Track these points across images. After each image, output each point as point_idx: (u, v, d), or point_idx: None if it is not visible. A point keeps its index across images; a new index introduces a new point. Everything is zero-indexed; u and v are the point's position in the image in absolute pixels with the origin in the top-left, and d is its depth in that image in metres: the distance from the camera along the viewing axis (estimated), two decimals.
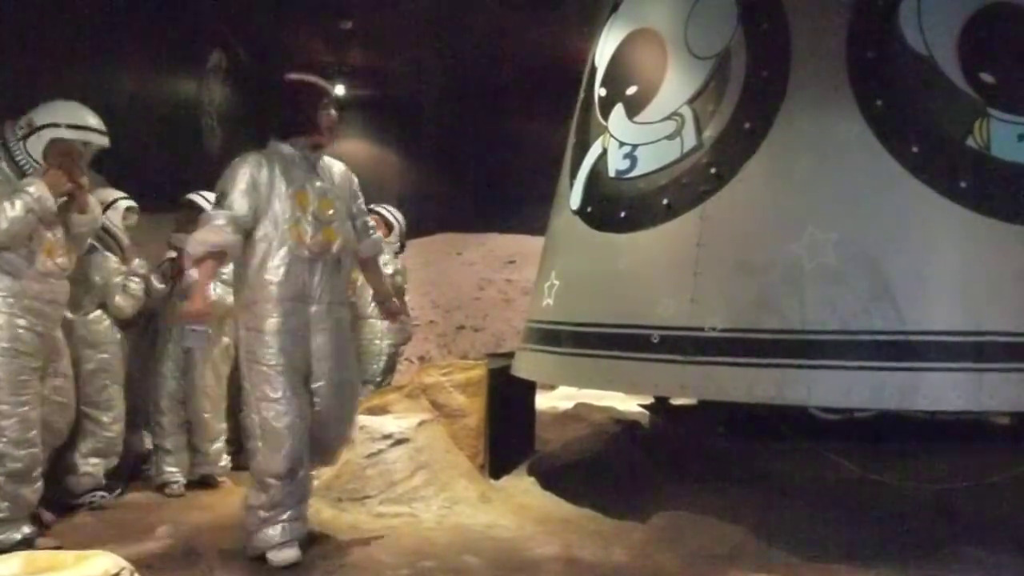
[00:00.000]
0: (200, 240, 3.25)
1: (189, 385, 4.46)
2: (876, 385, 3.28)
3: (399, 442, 4.12)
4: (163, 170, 6.09)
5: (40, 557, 2.34)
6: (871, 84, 3.57)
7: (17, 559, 2.30)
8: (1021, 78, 3.57)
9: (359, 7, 7.42)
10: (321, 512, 3.90)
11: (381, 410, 4.61)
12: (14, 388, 3.24)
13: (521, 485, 4.49)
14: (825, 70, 3.64)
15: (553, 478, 4.46)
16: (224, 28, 7.78)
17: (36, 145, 3.39)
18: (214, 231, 3.26)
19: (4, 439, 3.21)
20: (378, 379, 5.76)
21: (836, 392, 3.35)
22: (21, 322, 3.27)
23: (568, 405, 7.07)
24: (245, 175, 3.44)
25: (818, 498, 3.76)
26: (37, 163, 3.38)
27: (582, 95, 4.81)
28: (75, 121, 3.49)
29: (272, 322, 3.23)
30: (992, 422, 4.48)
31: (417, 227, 9.63)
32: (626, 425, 5.66)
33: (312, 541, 3.53)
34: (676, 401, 5.03)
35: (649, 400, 5.58)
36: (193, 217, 4.14)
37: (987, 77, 3.52)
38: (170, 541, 3.49)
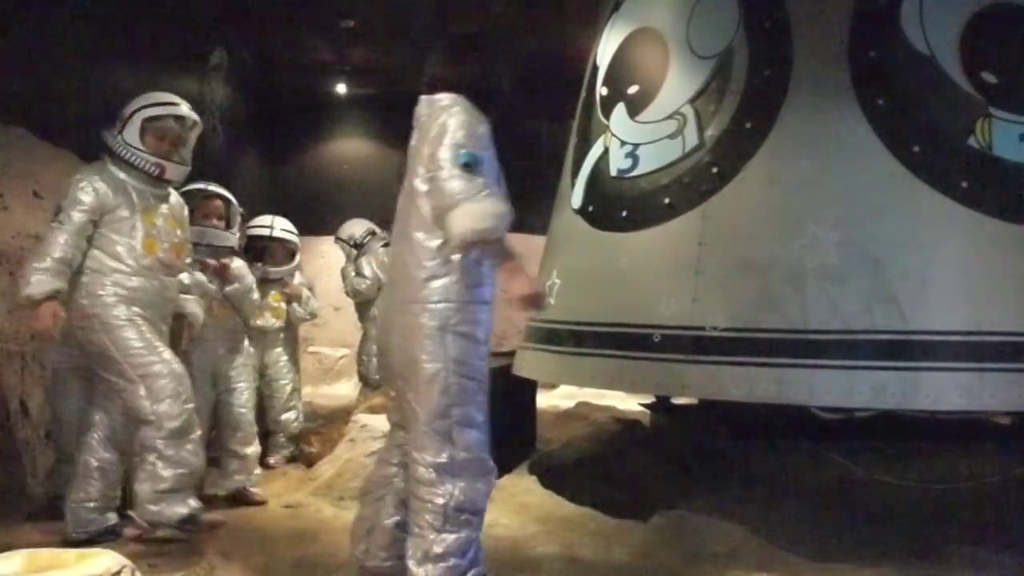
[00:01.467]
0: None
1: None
2: (877, 385, 3.28)
3: None
4: None
5: (42, 555, 2.35)
6: (873, 84, 3.57)
7: (19, 557, 2.31)
8: (1022, 78, 3.57)
9: (360, 6, 7.42)
10: (322, 510, 3.91)
11: (382, 408, 4.61)
12: (151, 347, 3.35)
13: (522, 484, 4.48)
14: (827, 70, 3.64)
15: (554, 477, 4.46)
16: (226, 27, 7.78)
17: (132, 133, 3.46)
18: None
19: (161, 399, 3.30)
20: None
21: (837, 392, 3.35)
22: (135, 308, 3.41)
23: (569, 404, 7.08)
24: None
25: (818, 498, 3.76)
26: (139, 149, 3.46)
27: (584, 94, 4.81)
28: (160, 99, 3.57)
29: None
30: (992, 422, 4.48)
31: None
32: (627, 424, 5.66)
33: (313, 540, 3.53)
34: (677, 400, 5.02)
35: (650, 399, 5.57)
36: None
37: (989, 77, 3.52)
38: (171, 539, 3.49)
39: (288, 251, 5.27)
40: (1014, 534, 3.41)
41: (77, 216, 3.33)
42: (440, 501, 2.43)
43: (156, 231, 3.49)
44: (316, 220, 9.55)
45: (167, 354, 3.41)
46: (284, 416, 5.21)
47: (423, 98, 2.72)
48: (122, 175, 3.46)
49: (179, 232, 3.65)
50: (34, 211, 4.34)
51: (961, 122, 3.49)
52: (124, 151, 3.46)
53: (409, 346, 2.51)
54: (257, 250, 5.20)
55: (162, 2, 6.23)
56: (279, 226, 5.29)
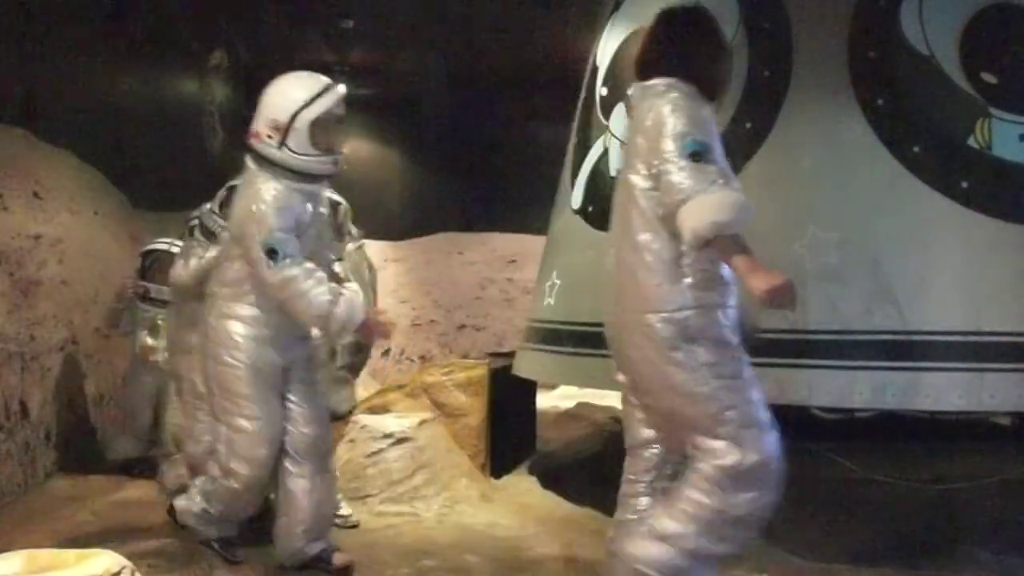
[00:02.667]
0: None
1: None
2: (877, 385, 3.28)
3: (400, 441, 4.13)
4: (164, 170, 6.10)
5: (41, 555, 2.35)
6: (873, 84, 3.57)
7: (19, 557, 2.30)
8: (1023, 78, 3.57)
9: (361, 6, 7.42)
10: None
11: (382, 409, 4.61)
12: None
13: (522, 484, 4.49)
14: (827, 70, 3.64)
15: (554, 477, 4.46)
16: (226, 27, 7.78)
17: (301, 138, 3.02)
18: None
19: None
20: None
21: (837, 392, 3.35)
22: None
23: (569, 404, 7.08)
24: None
25: (818, 498, 3.75)
26: (314, 154, 3.02)
27: (583, 95, 4.81)
28: (314, 91, 3.21)
29: None
30: (992, 422, 4.48)
31: (419, 226, 9.64)
32: None
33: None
34: None
35: None
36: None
37: (989, 77, 3.51)
38: (171, 539, 3.49)
39: None
40: (1014, 534, 3.41)
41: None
42: (713, 505, 2.24)
43: None
44: None
45: None
46: None
47: (635, 85, 2.45)
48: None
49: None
50: (34, 211, 4.34)
51: (961, 122, 3.49)
52: (297, 163, 3.02)
53: (651, 359, 2.32)
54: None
55: (162, 2, 6.23)
56: None
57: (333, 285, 2.92)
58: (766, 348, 3.43)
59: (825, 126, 3.60)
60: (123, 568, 2.25)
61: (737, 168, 3.67)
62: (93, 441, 4.84)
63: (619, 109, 4.28)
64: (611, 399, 6.80)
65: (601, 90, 4.51)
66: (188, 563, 3.17)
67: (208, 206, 3.92)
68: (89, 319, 4.79)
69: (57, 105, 4.67)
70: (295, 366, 3.11)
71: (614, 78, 4.46)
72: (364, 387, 8.00)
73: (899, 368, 3.27)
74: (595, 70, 4.67)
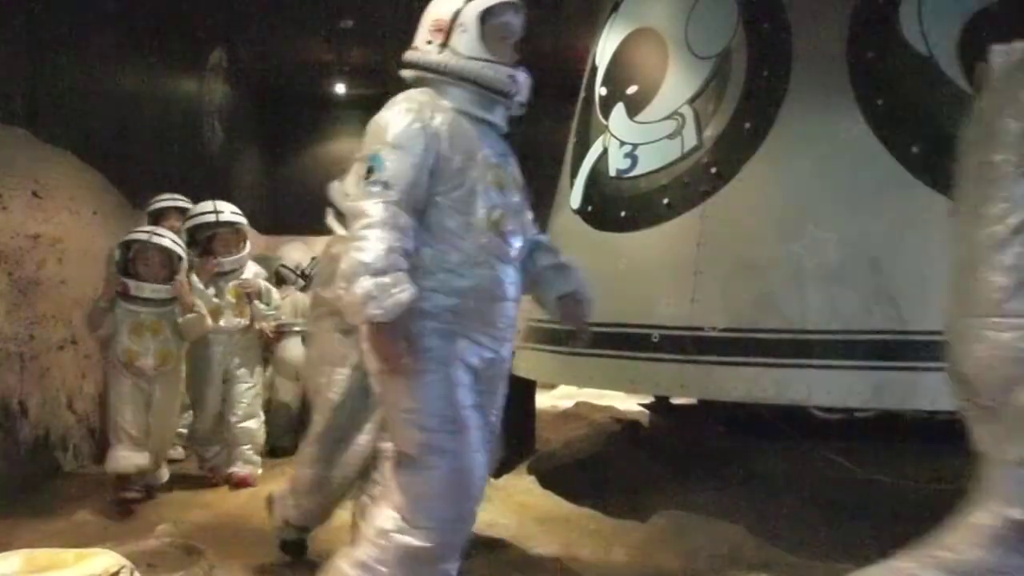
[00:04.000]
0: None
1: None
2: (876, 385, 3.28)
3: None
4: (164, 170, 6.10)
5: (40, 555, 2.35)
6: (872, 84, 3.57)
7: (18, 557, 2.30)
8: None
9: (360, 6, 7.42)
10: None
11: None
12: None
13: (521, 484, 4.48)
14: (826, 70, 3.64)
15: (553, 477, 4.46)
16: (225, 27, 7.78)
17: (470, 38, 2.37)
18: None
19: None
20: None
21: (836, 392, 3.35)
22: None
23: (568, 404, 7.08)
24: None
25: (818, 498, 3.75)
26: (487, 58, 2.37)
27: (583, 94, 4.81)
28: None
29: None
30: None
31: None
32: (626, 424, 5.66)
33: (313, 539, 3.53)
34: (676, 400, 5.03)
35: (649, 399, 5.57)
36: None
37: None
38: (170, 539, 3.49)
39: (239, 237, 4.65)
40: None
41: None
42: None
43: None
44: (315, 220, 9.56)
45: None
46: (246, 424, 4.59)
47: (995, 49, 2.13)
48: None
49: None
50: (33, 211, 4.34)
51: (960, 122, 3.49)
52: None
53: (997, 366, 2.08)
54: (202, 242, 4.54)
55: (162, 2, 6.23)
56: (227, 209, 4.60)
57: (402, 267, 2.11)
58: (765, 348, 3.44)
59: (824, 126, 3.60)
60: (122, 568, 2.25)
61: (736, 168, 3.71)
62: (93, 441, 4.84)
63: (619, 108, 4.29)
64: (610, 399, 6.81)
65: (600, 90, 4.51)
66: (187, 563, 3.17)
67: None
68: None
69: (57, 105, 4.68)
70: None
71: (613, 78, 4.46)
72: None
73: (898, 368, 3.27)
74: (594, 70, 4.67)
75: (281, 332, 5.01)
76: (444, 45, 2.40)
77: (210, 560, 3.19)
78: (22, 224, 4.23)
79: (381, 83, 9.23)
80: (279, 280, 5.80)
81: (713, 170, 3.75)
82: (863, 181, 3.50)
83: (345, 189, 3.18)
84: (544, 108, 9.36)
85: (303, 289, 5.71)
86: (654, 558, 3.32)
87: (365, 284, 2.04)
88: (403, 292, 2.07)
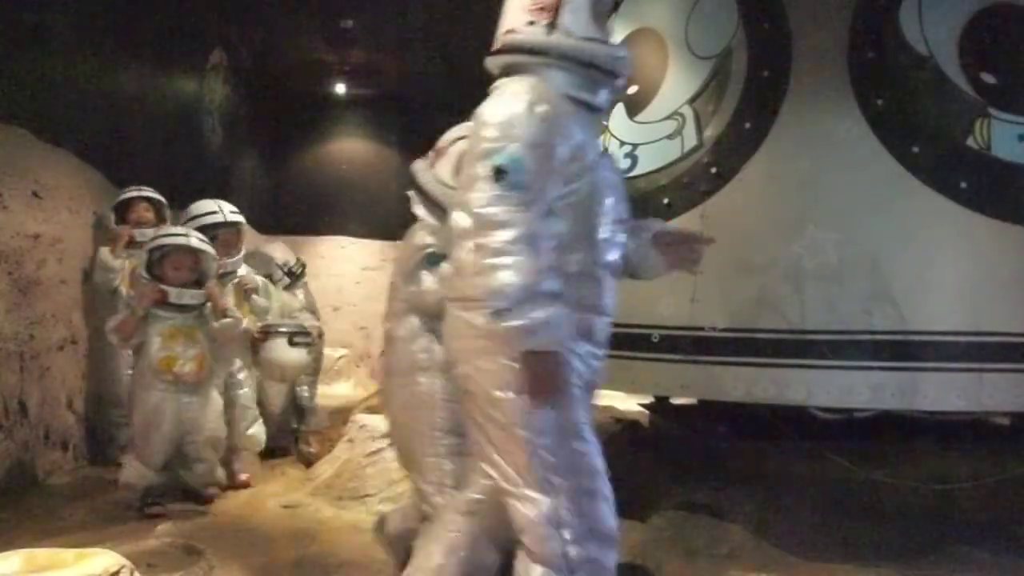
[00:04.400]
0: None
1: None
2: (876, 385, 3.28)
3: None
4: (163, 169, 6.10)
5: (40, 555, 2.34)
6: (872, 84, 3.56)
7: (18, 557, 2.30)
8: (1022, 78, 3.57)
9: (360, 6, 7.42)
10: (321, 511, 3.91)
11: (381, 409, 4.61)
12: None
13: None
14: (826, 70, 3.63)
15: None
16: (225, 26, 7.78)
17: (580, 16, 2.16)
18: None
19: None
20: None
21: (836, 392, 3.35)
22: None
23: None
24: None
25: (818, 498, 3.75)
26: (601, 38, 2.20)
27: None
28: None
29: None
30: (992, 423, 4.47)
31: None
32: (626, 424, 5.65)
33: (312, 540, 3.53)
34: (676, 400, 5.01)
35: (649, 399, 5.56)
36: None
37: (988, 77, 3.51)
38: (170, 539, 3.49)
39: (239, 237, 4.67)
40: (1013, 535, 3.41)
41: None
42: None
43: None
44: (315, 220, 9.57)
45: None
46: (254, 430, 4.62)
47: None
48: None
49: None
50: (33, 211, 4.34)
51: (960, 122, 3.49)
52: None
53: None
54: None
55: (161, 1, 6.22)
56: (226, 208, 4.61)
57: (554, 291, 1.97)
58: (765, 348, 3.44)
59: (824, 126, 3.60)
60: (122, 568, 2.25)
61: (736, 168, 3.70)
62: (92, 441, 4.84)
63: (618, 108, 4.28)
64: (610, 399, 6.80)
65: None
66: (186, 563, 3.17)
67: None
68: (88, 318, 4.78)
69: (57, 104, 4.68)
70: None
71: None
72: (363, 387, 8.02)
73: (898, 368, 3.27)
74: None
75: (267, 332, 4.96)
76: (552, 25, 2.14)
77: (210, 560, 3.19)
78: (22, 224, 4.22)
79: (381, 83, 9.25)
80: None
81: (713, 170, 3.75)
82: (863, 181, 3.50)
83: (438, 176, 2.92)
84: None
85: (288, 288, 5.71)
86: (653, 558, 3.32)
87: (528, 310, 1.88)
88: (560, 316, 1.93)
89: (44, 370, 4.37)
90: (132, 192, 4.95)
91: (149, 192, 4.98)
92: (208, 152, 7.56)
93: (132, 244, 4.65)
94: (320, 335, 5.72)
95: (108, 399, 4.76)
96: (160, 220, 4.89)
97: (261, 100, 9.07)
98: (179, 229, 4.14)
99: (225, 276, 4.52)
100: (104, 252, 4.72)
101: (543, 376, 1.96)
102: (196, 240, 3.98)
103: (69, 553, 2.35)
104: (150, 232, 4.50)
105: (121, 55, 5.57)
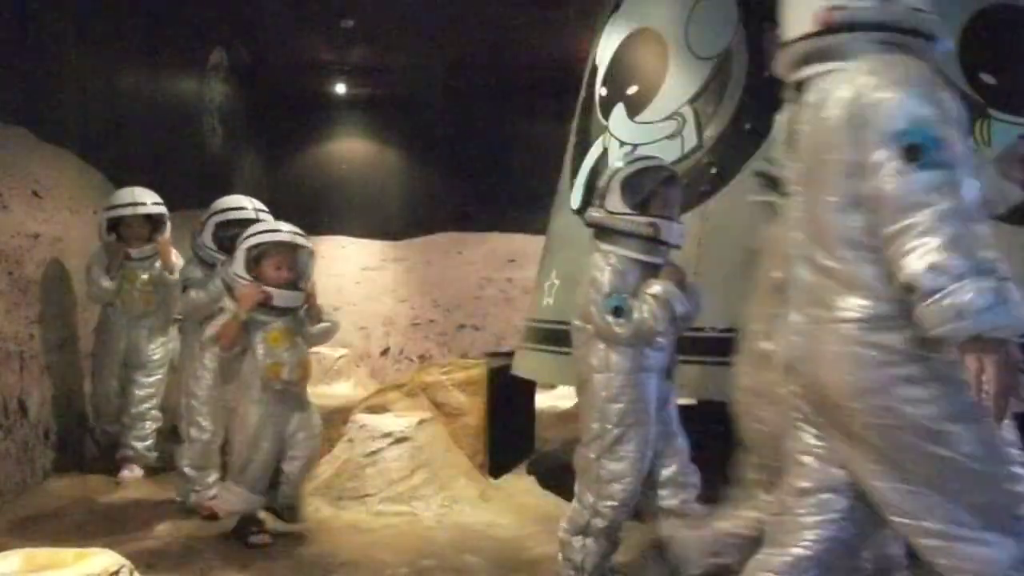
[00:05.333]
0: None
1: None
2: None
3: (399, 440, 4.13)
4: (164, 169, 6.10)
5: (40, 554, 2.34)
6: None
7: (17, 556, 2.30)
8: (1022, 79, 3.57)
9: (361, 5, 7.42)
10: (320, 510, 3.91)
11: (381, 408, 4.61)
12: None
13: (521, 484, 4.49)
14: None
15: (553, 477, 4.45)
16: (225, 26, 7.78)
17: None
18: None
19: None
20: None
21: None
22: None
23: (568, 404, 7.07)
24: None
25: None
26: None
27: (583, 95, 4.81)
28: None
29: None
30: None
31: (418, 226, 9.64)
32: None
33: (311, 540, 3.53)
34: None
35: None
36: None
37: (987, 78, 3.52)
38: (169, 539, 3.49)
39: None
40: None
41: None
42: None
43: None
44: (315, 220, 9.57)
45: None
46: None
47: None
48: None
49: None
50: (34, 210, 4.34)
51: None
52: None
53: None
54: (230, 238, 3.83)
55: (161, 1, 6.23)
56: (256, 205, 4.17)
57: None
58: None
59: None
60: (121, 567, 2.25)
61: (736, 169, 3.70)
62: (92, 441, 4.84)
63: (619, 109, 4.29)
64: None
65: (601, 90, 4.51)
66: (186, 562, 3.18)
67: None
68: (88, 318, 4.78)
69: (57, 104, 4.68)
70: None
71: (614, 78, 4.46)
72: (363, 386, 8.02)
73: None
74: (595, 70, 4.67)
75: None
76: None
77: (208, 560, 3.19)
78: (22, 223, 4.23)
79: (381, 83, 9.25)
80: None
81: (713, 170, 3.75)
82: None
83: (608, 208, 2.96)
84: (544, 108, 9.39)
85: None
86: (654, 558, 3.32)
87: (973, 284, 1.56)
88: (1015, 294, 1.59)
89: (44, 369, 4.37)
90: (129, 209, 4.47)
91: (152, 208, 4.52)
92: (208, 152, 7.56)
93: (128, 259, 4.49)
94: None
95: (103, 399, 4.72)
96: (155, 231, 4.52)
97: (261, 100, 9.07)
98: (278, 224, 3.64)
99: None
100: (96, 271, 4.42)
101: (1004, 371, 1.58)
102: (299, 237, 3.55)
103: (69, 553, 2.34)
104: (148, 249, 4.51)
105: (121, 55, 5.57)
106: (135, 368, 4.59)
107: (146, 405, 4.61)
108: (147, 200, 4.51)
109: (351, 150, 9.87)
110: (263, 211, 4.13)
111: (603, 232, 2.95)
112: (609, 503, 2.88)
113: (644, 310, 2.80)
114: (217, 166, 7.75)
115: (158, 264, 4.54)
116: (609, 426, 2.86)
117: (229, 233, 3.88)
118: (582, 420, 2.98)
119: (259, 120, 9.12)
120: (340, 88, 9.44)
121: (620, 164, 3.04)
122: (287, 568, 3.23)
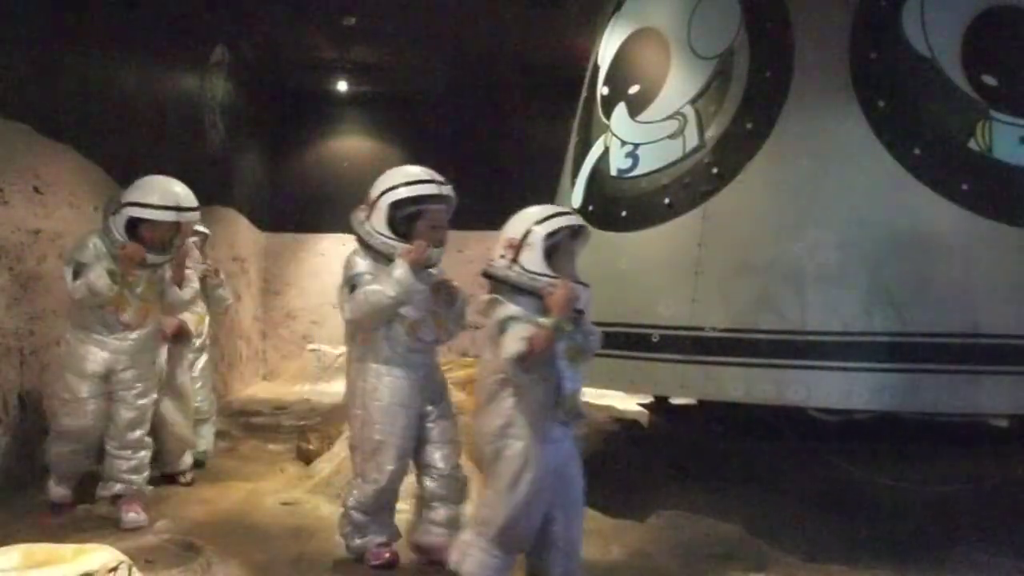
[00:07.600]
0: None
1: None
2: (876, 386, 3.28)
3: None
4: (165, 165, 6.10)
5: (39, 550, 2.34)
6: (873, 85, 3.57)
7: (16, 552, 2.30)
8: (1023, 81, 3.57)
9: (362, 4, 7.42)
10: (320, 508, 3.91)
11: None
12: None
13: None
14: (828, 71, 3.64)
15: None
16: (227, 24, 7.77)
17: None
18: None
19: None
20: None
21: (836, 393, 3.35)
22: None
23: None
24: None
25: (817, 498, 3.76)
26: None
27: (584, 94, 4.81)
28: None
29: None
30: (990, 424, 4.48)
31: None
32: (625, 424, 5.66)
33: (311, 536, 3.53)
34: (676, 400, 5.03)
35: (649, 399, 5.57)
36: None
37: (989, 79, 3.52)
38: (168, 535, 3.49)
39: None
40: (1012, 535, 3.42)
41: None
42: None
43: None
44: (317, 217, 9.56)
45: None
46: None
47: None
48: None
49: None
50: (34, 206, 4.34)
51: (961, 124, 3.49)
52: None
53: None
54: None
55: None
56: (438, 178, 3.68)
57: None
58: (765, 349, 3.44)
59: (825, 127, 3.60)
60: (120, 564, 2.25)
61: (737, 169, 3.70)
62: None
63: (620, 108, 4.28)
64: (610, 399, 6.80)
65: (602, 89, 4.51)
66: (185, 559, 3.17)
67: None
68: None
69: (58, 100, 4.67)
70: None
71: (615, 77, 4.46)
72: None
73: (898, 370, 3.27)
74: (596, 69, 4.66)
75: None
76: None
77: (208, 557, 3.19)
78: (23, 219, 4.22)
79: (383, 80, 9.25)
80: None
81: (714, 170, 3.75)
82: (863, 182, 3.50)
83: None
84: (544, 108, 9.37)
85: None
86: (652, 557, 3.32)
87: None
88: None
89: (44, 365, 4.36)
90: (172, 215, 3.60)
91: (191, 216, 3.73)
92: (210, 148, 7.56)
93: (143, 265, 3.60)
94: None
95: None
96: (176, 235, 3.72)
97: (263, 97, 9.07)
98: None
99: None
100: (98, 270, 3.49)
101: None
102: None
103: (68, 548, 2.34)
104: (163, 257, 3.66)
105: (123, 50, 5.57)
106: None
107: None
108: (191, 204, 3.68)
109: (352, 147, 9.86)
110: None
111: None
112: None
113: None
114: (218, 163, 7.75)
115: (168, 275, 3.80)
116: None
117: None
118: None
119: (260, 117, 9.11)
120: (342, 86, 9.44)
121: None
122: (286, 564, 3.22)
